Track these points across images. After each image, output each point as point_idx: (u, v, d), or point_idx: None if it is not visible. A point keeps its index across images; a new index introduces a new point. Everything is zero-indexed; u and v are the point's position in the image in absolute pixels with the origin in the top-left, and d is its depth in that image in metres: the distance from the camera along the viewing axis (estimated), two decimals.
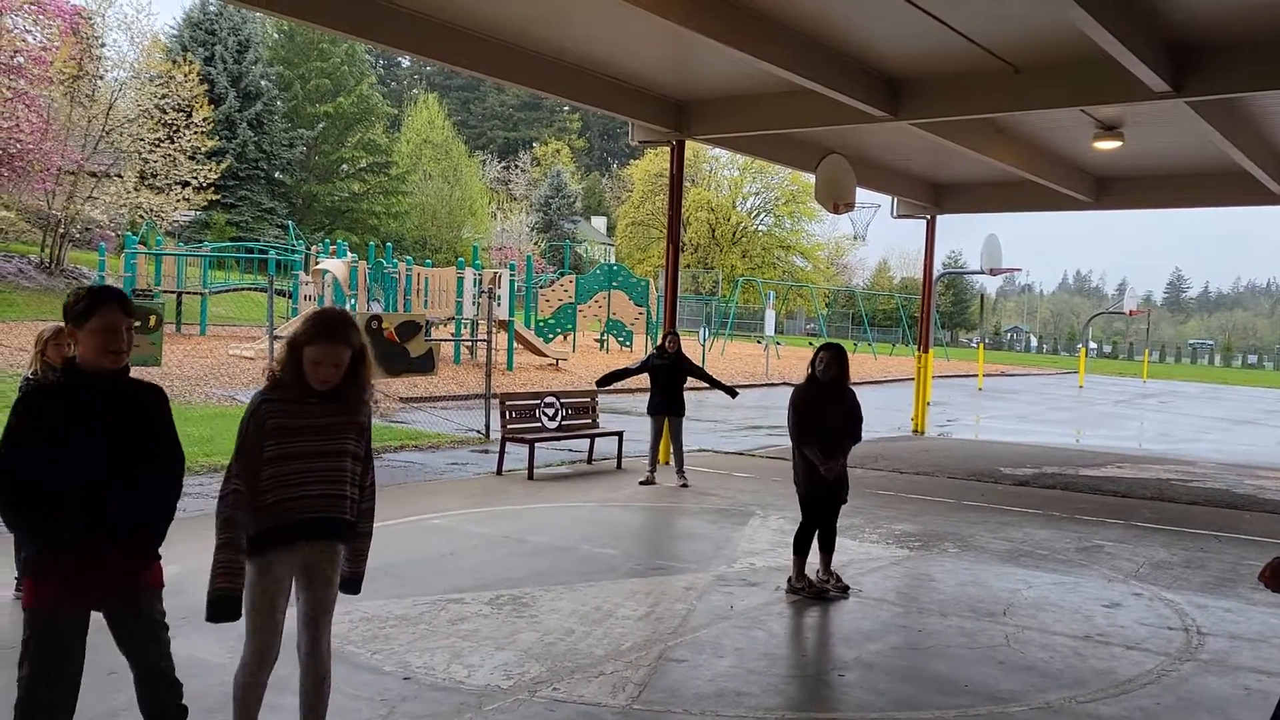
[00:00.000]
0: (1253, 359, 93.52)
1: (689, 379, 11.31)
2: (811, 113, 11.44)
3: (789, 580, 6.86)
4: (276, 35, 57.05)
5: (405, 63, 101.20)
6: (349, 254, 28.39)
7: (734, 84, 11.61)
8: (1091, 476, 13.24)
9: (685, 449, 11.41)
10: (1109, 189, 16.36)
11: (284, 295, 27.13)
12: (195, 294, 28.45)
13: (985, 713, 4.85)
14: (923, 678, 5.30)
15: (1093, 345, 76.54)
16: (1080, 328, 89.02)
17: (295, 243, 34.24)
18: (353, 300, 24.55)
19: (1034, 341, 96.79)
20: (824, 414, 6.64)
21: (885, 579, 7.36)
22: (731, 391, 11.71)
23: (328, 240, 37.14)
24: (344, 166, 57.15)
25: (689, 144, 13.37)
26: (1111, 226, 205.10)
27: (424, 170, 60.38)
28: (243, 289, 30.65)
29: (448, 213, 60.50)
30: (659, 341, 11.45)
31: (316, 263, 26.80)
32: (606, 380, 11.44)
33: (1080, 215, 17.53)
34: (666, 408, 11.12)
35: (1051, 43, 9.28)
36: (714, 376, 11.75)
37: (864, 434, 6.97)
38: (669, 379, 11.03)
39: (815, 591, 6.73)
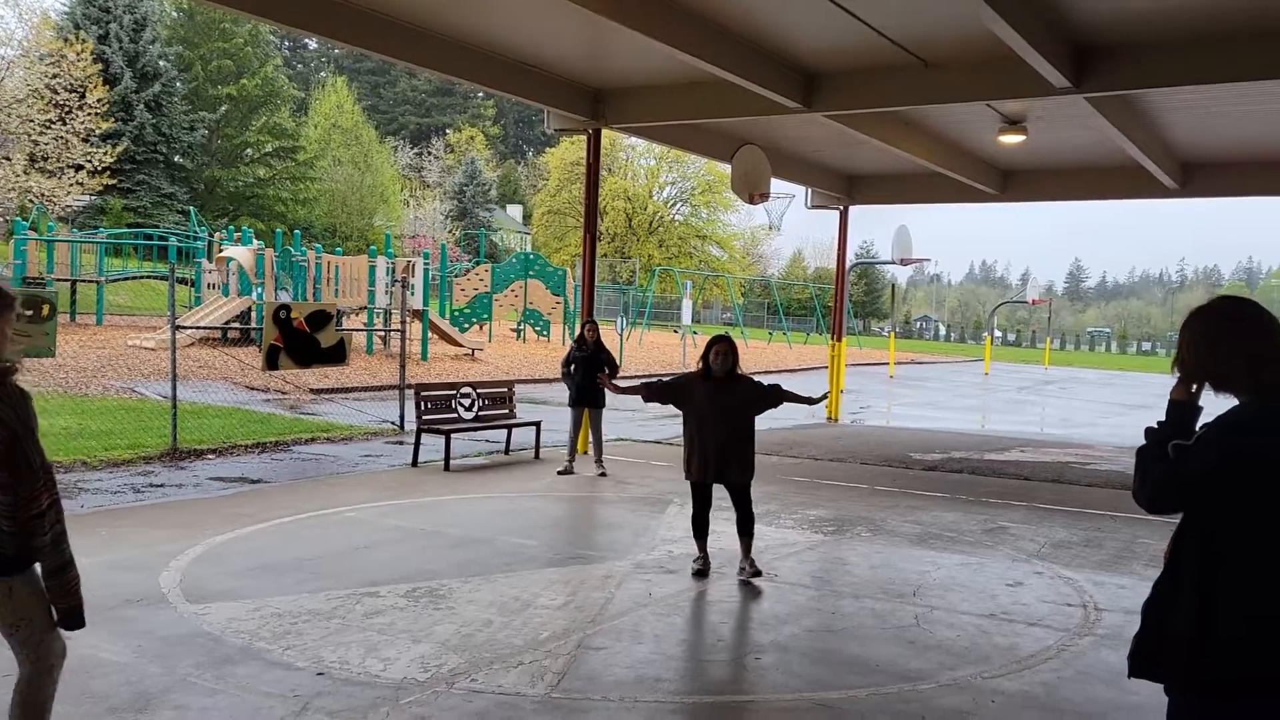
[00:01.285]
0: (1146, 346, 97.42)
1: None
2: (728, 103, 11.52)
3: (693, 562, 7.10)
4: (175, 14, 55.17)
5: (312, 45, 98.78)
6: (255, 241, 27.65)
7: (651, 73, 11.62)
8: (996, 461, 13.65)
9: (604, 438, 11.42)
10: (1013, 182, 16.84)
11: (186, 284, 26.31)
12: (91, 282, 27.41)
13: (896, 691, 4.97)
14: (837, 659, 5.41)
15: (998, 334, 78.80)
16: (986, 317, 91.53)
17: (198, 229, 33.23)
18: (259, 289, 23.94)
19: (942, 330, 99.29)
20: (705, 400, 6.84)
21: (800, 563, 7.49)
22: (631, 391, 11.48)
23: (232, 227, 36.12)
24: (248, 151, 55.57)
25: (606, 133, 13.35)
26: (1016, 218, 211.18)
27: (333, 156, 59.10)
28: (142, 277, 29.64)
29: (358, 200, 59.37)
30: (577, 332, 11.39)
31: (220, 250, 26.06)
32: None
33: (986, 207, 18.04)
34: (585, 398, 11.10)
35: (960, 39, 9.50)
36: (615, 367, 11.50)
37: (781, 419, 7.12)
38: (588, 369, 11.01)
39: (701, 568, 6.98)
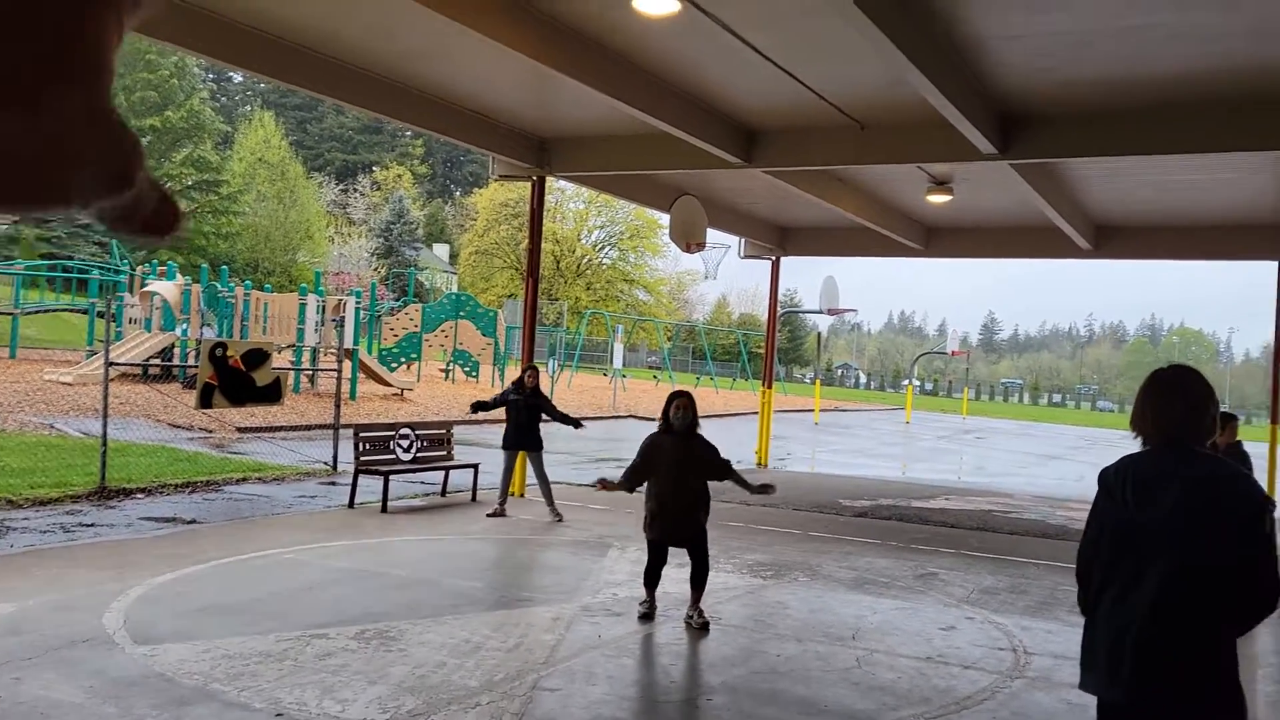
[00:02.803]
0: (1057, 398, 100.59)
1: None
2: (671, 156, 11.83)
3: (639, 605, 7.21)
4: None
5: (237, 78, 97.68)
6: (179, 276, 27.18)
7: (596, 124, 11.89)
8: (923, 508, 14.05)
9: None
10: (938, 238, 17.49)
11: (103, 318, 25.70)
12: (5, 314, 26.61)
13: None
14: (785, 700, 5.58)
15: (917, 383, 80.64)
16: (906, 366, 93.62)
17: (120, 262, 32.50)
18: (184, 325, 23.52)
19: (863, 378, 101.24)
20: (668, 456, 6.90)
21: (743, 607, 7.66)
22: (576, 423, 11.62)
23: (155, 261, 35.38)
24: (170, 184, 54.61)
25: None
26: (933, 270, 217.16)
27: (258, 190, 58.34)
28: (58, 310, 28.86)
29: (282, 235, 58.59)
30: (520, 375, 11.46)
31: (144, 285, 25.54)
32: (476, 407, 11.33)
33: (909, 260, 18.65)
34: (521, 442, 11.15)
35: (894, 104, 9.96)
36: (561, 412, 11.66)
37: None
38: (525, 414, 11.08)
39: (648, 611, 7.04)
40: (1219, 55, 8.01)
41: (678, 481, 6.91)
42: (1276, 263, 16.01)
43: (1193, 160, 11.11)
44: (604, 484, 7.12)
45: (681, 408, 6.96)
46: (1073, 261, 18.10)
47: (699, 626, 6.95)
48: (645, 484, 7.02)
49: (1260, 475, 10.15)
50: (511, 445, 11.22)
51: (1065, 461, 27.54)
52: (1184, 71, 8.44)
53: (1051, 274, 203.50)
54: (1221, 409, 3.91)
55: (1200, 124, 9.28)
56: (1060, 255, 16.54)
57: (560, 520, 10.88)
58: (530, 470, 11.54)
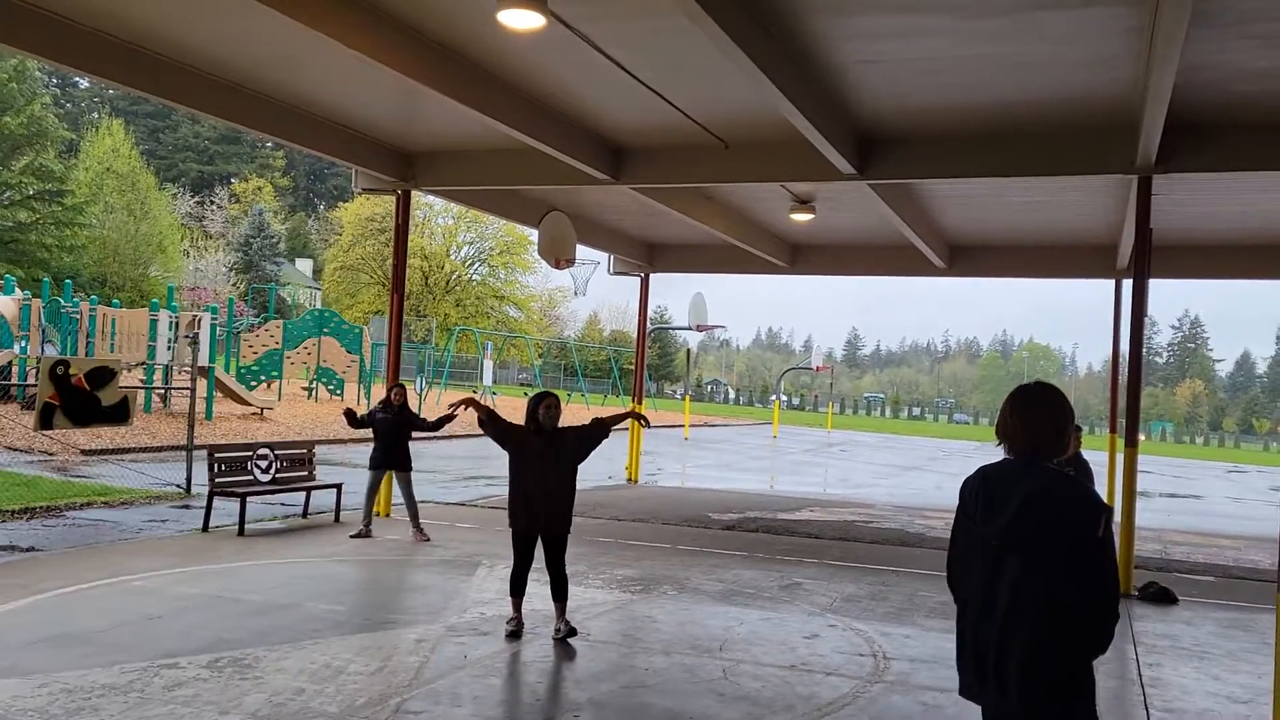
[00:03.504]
0: (917, 411, 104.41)
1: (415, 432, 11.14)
2: (539, 171, 11.81)
3: (506, 623, 7.16)
4: None
5: (83, 84, 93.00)
6: (18, 291, 25.63)
7: (463, 138, 11.78)
8: (788, 520, 14.35)
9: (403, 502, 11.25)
10: (803, 256, 17.96)
11: None
12: None
13: None
14: (652, 713, 5.59)
15: (784, 398, 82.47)
16: (773, 381, 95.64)
17: None
18: (24, 342, 22.17)
19: (732, 394, 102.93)
20: (535, 453, 6.97)
21: (611, 622, 7.66)
22: (447, 419, 10.37)
23: None
24: (9, 193, 51.45)
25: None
26: (799, 288, 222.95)
27: (105, 201, 55.54)
28: None
29: (132, 249, 55.90)
30: (386, 394, 11.18)
31: None
32: (348, 416, 10.90)
33: (775, 277, 19.09)
34: (389, 462, 10.91)
35: (758, 124, 10.19)
36: (430, 421, 11.29)
37: (582, 481, 7.32)
38: (393, 432, 10.84)
39: (515, 629, 7.06)
40: (1055, 85, 8.48)
41: (544, 473, 6.95)
42: (1114, 281, 17.05)
43: (1034, 183, 11.74)
44: (472, 404, 7.23)
45: (549, 406, 7.01)
46: (929, 279, 18.86)
47: (566, 637, 6.92)
48: (511, 474, 7.03)
49: (1100, 484, 10.74)
50: (379, 465, 10.96)
51: (924, 472, 28.58)
52: (1025, 98, 8.91)
53: (911, 291, 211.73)
54: None
55: (1040, 148, 9.81)
56: (917, 273, 17.21)
57: (426, 540, 10.68)
58: (396, 490, 11.28)
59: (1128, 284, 15.33)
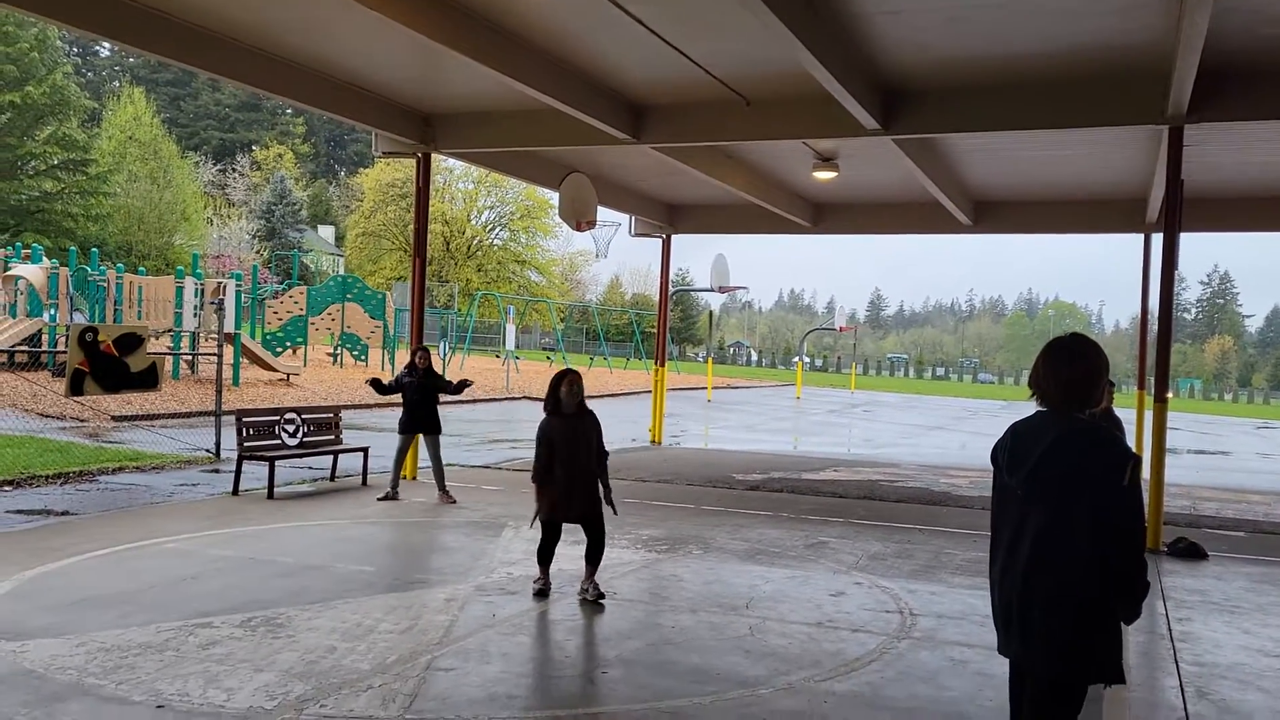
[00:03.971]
0: (941, 371, 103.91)
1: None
2: (559, 132, 11.73)
3: (533, 583, 7.19)
4: None
5: (104, 52, 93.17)
6: (45, 259, 25.84)
7: (482, 99, 11.71)
8: (813, 480, 14.35)
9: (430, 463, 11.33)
10: (825, 215, 17.80)
11: None
12: None
13: (736, 697, 5.24)
14: (679, 670, 5.63)
15: (807, 359, 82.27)
16: (796, 343, 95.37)
17: None
18: (52, 310, 22.39)
19: (754, 356, 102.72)
20: (561, 437, 6.89)
21: (638, 581, 7.70)
22: (465, 384, 11.21)
23: (19, 244, 33.52)
24: (34, 163, 51.75)
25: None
26: (822, 247, 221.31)
27: (129, 170, 55.77)
28: None
29: (156, 217, 56.19)
30: (410, 359, 11.22)
31: (8, 269, 24.22)
32: (374, 384, 11.03)
33: (797, 237, 18.94)
34: (416, 425, 10.96)
35: (780, 80, 10.07)
36: (453, 382, 11.22)
37: (608, 443, 7.30)
38: (420, 396, 10.89)
39: (542, 588, 7.07)
40: (1083, 32, 8.31)
41: (574, 460, 6.89)
42: (1142, 236, 16.81)
43: (1062, 135, 11.55)
44: (539, 487, 7.01)
45: (571, 383, 6.95)
46: (954, 237, 18.65)
47: (594, 600, 6.97)
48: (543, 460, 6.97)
49: (1129, 441, 10.66)
50: (408, 429, 11.02)
51: (948, 432, 28.48)
52: (1051, 48, 8.74)
53: (935, 250, 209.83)
54: None
55: (1067, 99, 9.63)
56: (942, 230, 17.04)
57: (452, 502, 10.76)
58: (423, 453, 11.35)
59: (1157, 238, 15.13)
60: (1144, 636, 6.77)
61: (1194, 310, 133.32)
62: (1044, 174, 14.26)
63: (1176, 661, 6.25)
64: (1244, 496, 14.87)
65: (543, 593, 7.06)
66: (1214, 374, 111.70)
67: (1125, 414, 11.34)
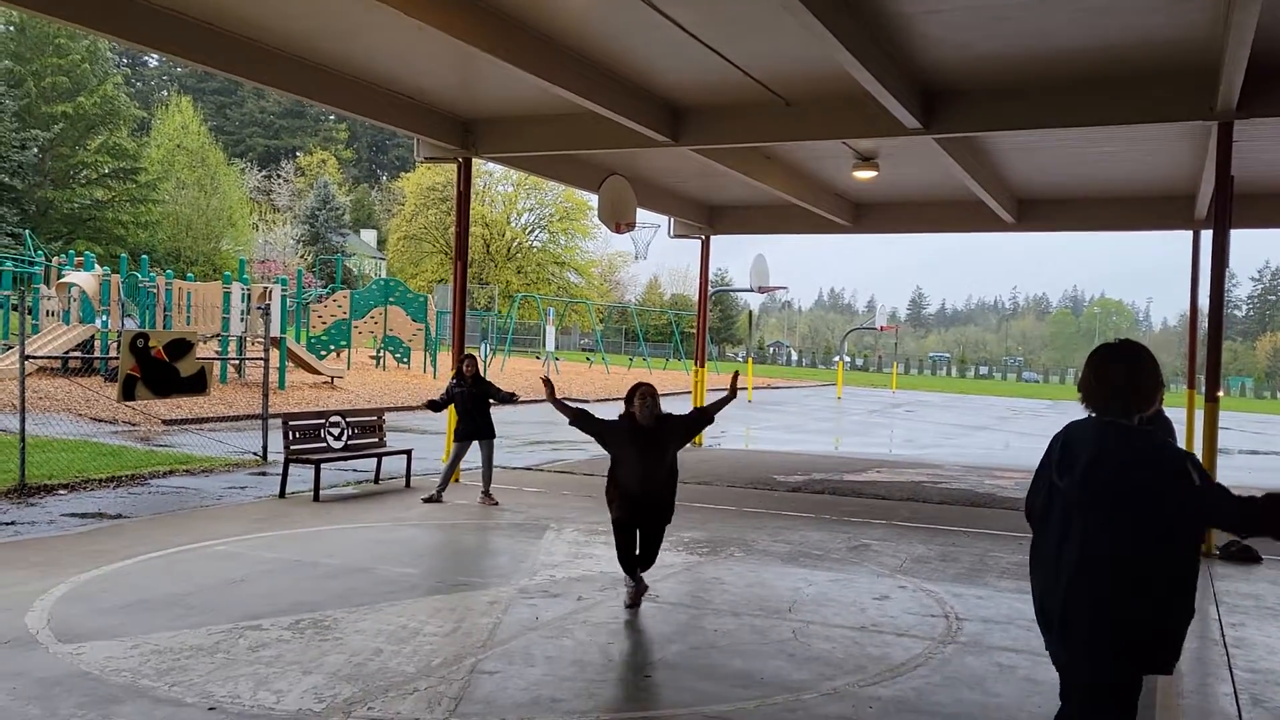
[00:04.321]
0: (984, 370, 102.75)
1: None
2: (598, 136, 11.77)
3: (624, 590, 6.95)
4: (4, 27, 52.14)
5: (153, 62, 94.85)
6: (98, 267, 26.38)
7: (522, 104, 11.78)
8: (855, 481, 14.26)
9: (473, 465, 11.40)
10: (865, 214, 17.69)
11: (17, 311, 24.83)
12: None
13: (781, 702, 5.22)
14: (723, 674, 5.63)
15: (848, 359, 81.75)
16: (836, 342, 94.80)
17: (34, 253, 31.42)
18: (104, 317, 22.85)
19: (794, 356, 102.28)
20: (634, 450, 6.63)
21: (680, 584, 7.70)
22: (513, 397, 11.44)
23: (72, 251, 34.26)
24: (85, 172, 52.85)
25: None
26: (862, 247, 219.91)
27: (177, 178, 56.78)
28: None
29: (204, 223, 57.19)
30: (458, 368, 11.31)
31: (61, 276, 24.75)
32: (431, 406, 11.16)
33: (837, 237, 18.84)
34: (474, 433, 11.00)
35: (819, 80, 10.03)
36: (503, 392, 11.59)
37: None
38: (472, 403, 10.95)
39: (633, 600, 6.83)
40: (1129, 27, 8.19)
41: (648, 472, 6.66)
42: (1191, 232, 16.52)
43: (1107, 132, 11.38)
44: (549, 386, 7.02)
45: (646, 396, 6.64)
46: (997, 235, 18.44)
47: (641, 593, 6.86)
48: (611, 464, 6.80)
49: (1179, 441, 10.48)
50: (465, 436, 11.04)
51: (992, 432, 28.17)
52: (1095, 44, 8.62)
53: (977, 248, 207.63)
54: None
55: (1112, 96, 9.50)
56: (984, 228, 16.87)
57: (495, 505, 10.83)
58: (475, 455, 11.37)
59: (1206, 235, 14.85)
60: (1196, 642, 6.65)
61: (1245, 307, 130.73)
62: (1089, 171, 14.06)
63: (1230, 668, 6.14)
64: None
65: (633, 604, 6.84)
66: (1266, 372, 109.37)
67: (1175, 413, 11.15)
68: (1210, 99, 9.00)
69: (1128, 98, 9.46)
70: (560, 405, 6.90)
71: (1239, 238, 11.60)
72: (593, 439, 6.88)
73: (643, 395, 6.66)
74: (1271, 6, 7.36)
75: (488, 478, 11.07)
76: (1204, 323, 10.93)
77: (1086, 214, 16.17)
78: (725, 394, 7.07)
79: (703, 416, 7.05)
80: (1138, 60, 8.93)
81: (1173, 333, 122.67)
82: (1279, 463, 22.14)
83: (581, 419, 6.81)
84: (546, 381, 7.16)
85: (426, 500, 10.88)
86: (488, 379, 11.52)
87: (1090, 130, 10.87)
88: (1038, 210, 16.31)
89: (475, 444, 11.06)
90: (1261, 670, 6.12)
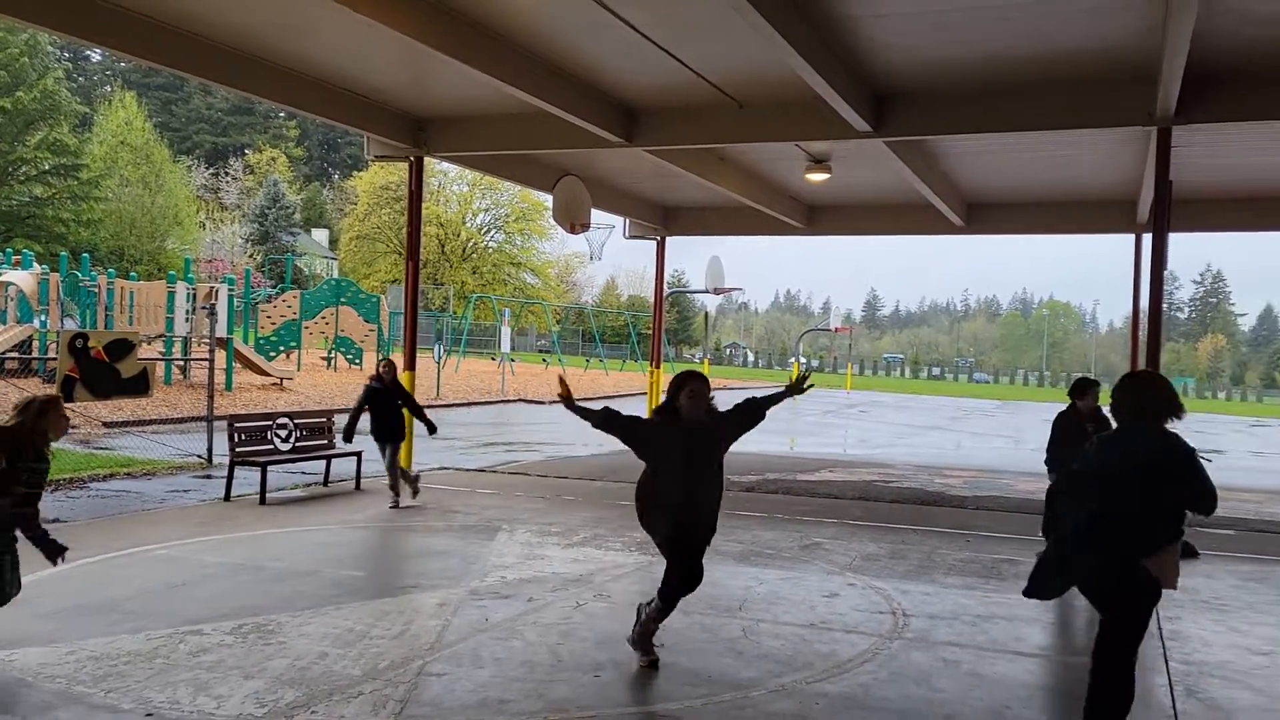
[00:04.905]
0: (936, 371, 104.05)
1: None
2: (552, 135, 11.72)
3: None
4: None
5: (95, 57, 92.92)
6: (36, 265, 25.80)
7: (475, 103, 11.70)
8: (808, 481, 14.36)
9: (425, 467, 11.29)
10: (818, 216, 17.81)
11: None
12: None
13: (729, 699, 5.24)
14: (672, 672, 5.63)
15: (803, 360, 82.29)
16: (792, 344, 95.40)
17: None
18: (43, 316, 22.34)
19: (751, 357, 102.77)
20: (679, 452, 5.56)
21: (631, 584, 7.69)
22: (430, 427, 11.04)
23: (10, 250, 33.42)
24: (24, 168, 51.61)
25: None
26: (817, 249, 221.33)
27: (120, 175, 55.65)
28: None
29: (148, 222, 56.09)
30: (376, 370, 11.15)
31: None
32: (349, 431, 10.91)
33: (793, 239, 18.95)
34: (386, 434, 10.78)
35: (772, 83, 10.07)
36: (420, 408, 11.23)
37: (607, 446, 7.22)
38: (385, 405, 10.79)
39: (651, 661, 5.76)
40: (1070, 35, 8.33)
41: (696, 479, 5.59)
42: (1134, 236, 16.84)
43: (1052, 137, 11.56)
44: (565, 387, 5.69)
45: (695, 393, 5.50)
46: (948, 238, 18.66)
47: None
48: (649, 471, 5.73)
49: None
50: (378, 437, 10.74)
51: (944, 432, 28.51)
52: (1037, 51, 8.74)
53: (931, 250, 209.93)
54: (1084, 376, 4.89)
55: (1054, 102, 9.64)
56: (935, 231, 17.05)
57: (401, 509, 10.50)
58: (416, 453, 11.24)
59: (1148, 239, 15.14)
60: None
61: (1187, 309, 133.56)
62: (1035, 175, 14.28)
63: (1166, 660, 6.27)
64: (1235, 494, 14.89)
65: (653, 664, 5.71)
66: (1207, 372, 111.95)
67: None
68: (1149, 105, 9.17)
69: (1069, 104, 9.62)
70: (579, 409, 5.69)
71: (1182, 241, 11.81)
72: (628, 446, 5.72)
73: (693, 390, 5.49)
74: (1206, 16, 7.52)
75: (403, 477, 10.79)
76: (1145, 324, 11.14)
77: (1033, 217, 16.42)
78: (787, 387, 5.89)
79: (757, 412, 5.77)
80: (1078, 67, 9.09)
81: (1118, 334, 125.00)
82: (1218, 460, 22.67)
83: (611, 421, 5.60)
84: (562, 381, 5.86)
85: (392, 507, 10.60)
86: (410, 392, 11.32)
87: (1035, 135, 11.03)
88: (986, 213, 16.53)
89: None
90: (1196, 662, 6.25)
